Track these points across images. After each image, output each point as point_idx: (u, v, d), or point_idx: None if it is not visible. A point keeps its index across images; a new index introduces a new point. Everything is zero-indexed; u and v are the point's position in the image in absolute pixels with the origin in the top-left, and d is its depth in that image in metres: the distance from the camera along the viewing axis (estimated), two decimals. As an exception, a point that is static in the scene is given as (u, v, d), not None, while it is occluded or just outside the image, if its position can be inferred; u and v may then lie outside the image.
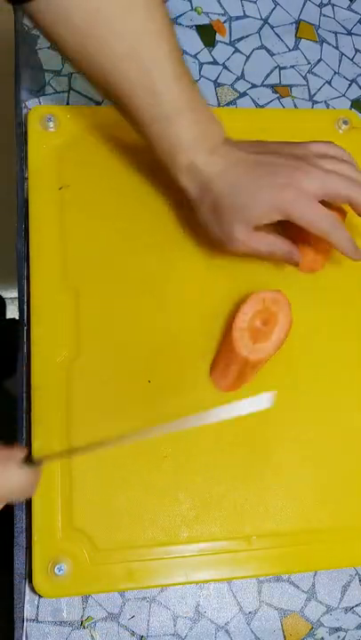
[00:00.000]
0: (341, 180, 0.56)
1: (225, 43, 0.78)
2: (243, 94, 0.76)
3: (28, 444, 0.59)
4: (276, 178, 0.55)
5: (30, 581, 0.56)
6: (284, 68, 0.79)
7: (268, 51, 0.79)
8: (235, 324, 0.58)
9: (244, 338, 0.58)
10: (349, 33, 0.82)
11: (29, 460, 0.46)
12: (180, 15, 0.78)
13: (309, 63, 0.79)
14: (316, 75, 0.79)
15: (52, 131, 0.67)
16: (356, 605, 0.61)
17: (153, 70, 0.53)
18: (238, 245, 0.58)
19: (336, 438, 0.63)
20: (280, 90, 0.77)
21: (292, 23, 0.81)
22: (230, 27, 0.79)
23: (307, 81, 0.79)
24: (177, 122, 0.55)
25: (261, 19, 0.80)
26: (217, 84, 0.76)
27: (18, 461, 0.45)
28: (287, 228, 0.68)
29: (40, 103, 0.71)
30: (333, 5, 0.83)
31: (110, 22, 0.51)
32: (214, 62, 0.77)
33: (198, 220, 0.60)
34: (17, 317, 0.66)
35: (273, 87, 0.77)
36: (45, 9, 0.50)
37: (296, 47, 0.80)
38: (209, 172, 0.56)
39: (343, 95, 0.79)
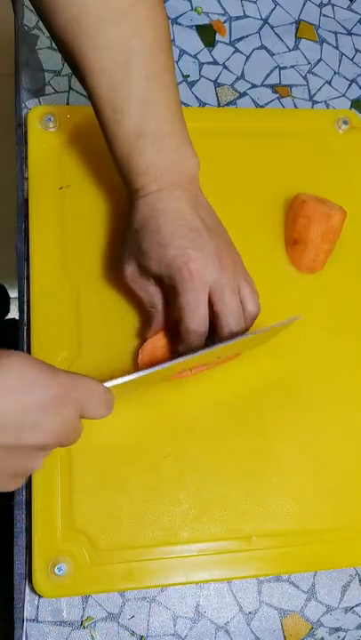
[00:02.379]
0: (236, 299, 0.55)
1: (225, 43, 0.78)
2: (243, 94, 0.76)
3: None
4: (191, 247, 0.53)
5: (30, 581, 0.56)
6: (284, 68, 0.79)
7: (268, 51, 0.79)
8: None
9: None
10: (349, 33, 0.82)
11: None
12: (180, 15, 0.78)
13: (309, 63, 0.79)
14: (316, 75, 0.79)
15: (53, 131, 0.67)
16: (357, 605, 0.61)
17: (120, 89, 0.52)
18: (124, 279, 0.58)
19: (336, 438, 0.63)
20: (280, 90, 0.77)
21: (292, 23, 0.81)
22: (230, 27, 0.79)
23: (307, 81, 0.79)
24: (137, 145, 0.54)
25: (261, 19, 0.80)
26: (217, 84, 0.76)
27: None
28: (290, 228, 0.68)
29: (40, 103, 0.71)
30: (333, 5, 0.83)
31: (87, 34, 0.51)
32: (214, 62, 0.77)
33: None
34: (17, 317, 0.66)
35: (273, 87, 0.77)
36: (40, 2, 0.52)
37: (296, 47, 0.80)
38: (152, 206, 0.55)
39: (343, 95, 0.79)
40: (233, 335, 0.55)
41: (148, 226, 0.55)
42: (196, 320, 0.54)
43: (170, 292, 0.56)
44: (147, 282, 0.57)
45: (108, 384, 0.48)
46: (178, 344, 0.56)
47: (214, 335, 0.56)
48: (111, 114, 0.53)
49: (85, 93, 0.55)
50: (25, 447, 0.41)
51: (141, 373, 0.51)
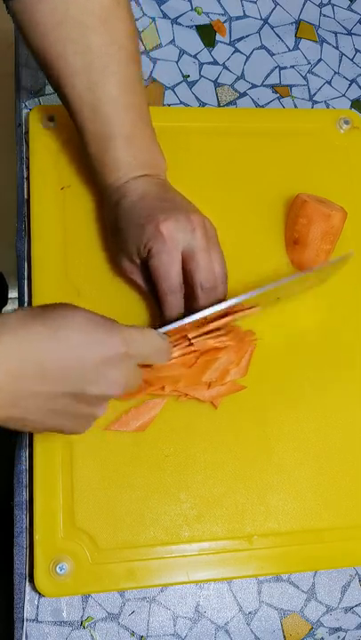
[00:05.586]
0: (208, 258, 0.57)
1: (225, 43, 0.78)
2: (243, 94, 0.76)
3: (30, 443, 0.59)
4: (161, 212, 0.55)
5: (31, 581, 0.56)
6: (284, 68, 0.79)
7: (268, 51, 0.79)
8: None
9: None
10: (349, 33, 0.82)
11: None
12: (180, 15, 0.78)
13: (309, 63, 0.79)
14: (316, 75, 0.79)
15: (53, 130, 0.67)
16: (356, 605, 0.61)
17: (99, 91, 0.56)
18: (124, 273, 0.60)
19: (337, 438, 0.63)
20: (280, 90, 0.77)
21: (292, 23, 0.81)
22: (230, 27, 0.79)
23: (307, 81, 0.79)
24: (111, 144, 0.57)
25: (261, 19, 0.80)
26: (217, 84, 0.76)
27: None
28: (291, 228, 0.68)
29: (40, 103, 0.71)
30: (333, 5, 0.83)
31: (70, 38, 0.55)
32: (214, 62, 0.77)
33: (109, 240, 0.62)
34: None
35: (273, 87, 0.77)
36: (22, 9, 0.55)
37: (296, 47, 0.80)
38: (122, 193, 0.58)
39: (343, 95, 0.79)
40: (208, 294, 0.56)
41: (120, 209, 0.58)
42: (170, 279, 0.55)
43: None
44: (136, 268, 0.59)
45: (162, 330, 0.52)
46: (161, 313, 0.58)
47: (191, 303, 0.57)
48: (90, 113, 0.57)
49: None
50: (89, 396, 0.45)
51: (181, 322, 0.53)
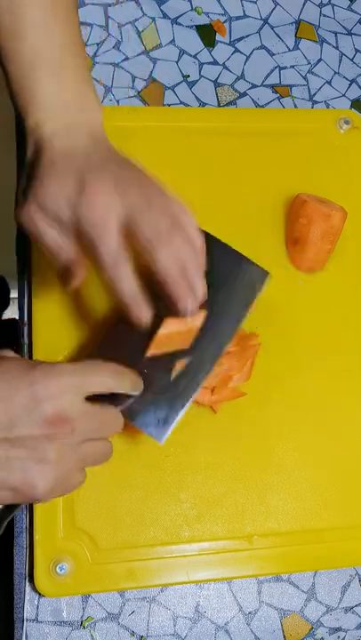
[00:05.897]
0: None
1: (225, 43, 0.78)
2: (243, 94, 0.76)
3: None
4: (92, 175, 0.47)
5: (31, 581, 0.56)
6: (284, 68, 0.79)
7: (268, 51, 0.79)
8: None
9: None
10: (349, 33, 0.82)
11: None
12: (180, 15, 0.77)
13: (309, 63, 0.79)
14: (316, 75, 0.79)
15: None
16: (356, 605, 0.61)
17: (20, 12, 0.49)
18: (23, 219, 0.49)
19: (336, 438, 0.63)
20: (280, 90, 0.77)
21: (292, 23, 0.81)
22: (230, 27, 0.79)
23: (307, 81, 0.79)
24: (34, 74, 0.50)
25: (261, 19, 0.80)
26: (217, 84, 0.76)
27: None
28: (291, 228, 0.68)
29: (40, 103, 0.71)
30: (333, 5, 0.83)
31: None
32: (214, 62, 0.77)
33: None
34: (17, 317, 0.66)
35: (273, 87, 0.77)
36: None
37: (296, 47, 0.80)
38: (46, 144, 0.49)
39: (343, 95, 0.79)
40: (162, 243, 0.46)
41: (42, 158, 0.49)
42: (108, 242, 0.46)
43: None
44: (45, 219, 0.49)
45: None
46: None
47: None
48: (15, 41, 0.50)
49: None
50: (25, 438, 0.41)
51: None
